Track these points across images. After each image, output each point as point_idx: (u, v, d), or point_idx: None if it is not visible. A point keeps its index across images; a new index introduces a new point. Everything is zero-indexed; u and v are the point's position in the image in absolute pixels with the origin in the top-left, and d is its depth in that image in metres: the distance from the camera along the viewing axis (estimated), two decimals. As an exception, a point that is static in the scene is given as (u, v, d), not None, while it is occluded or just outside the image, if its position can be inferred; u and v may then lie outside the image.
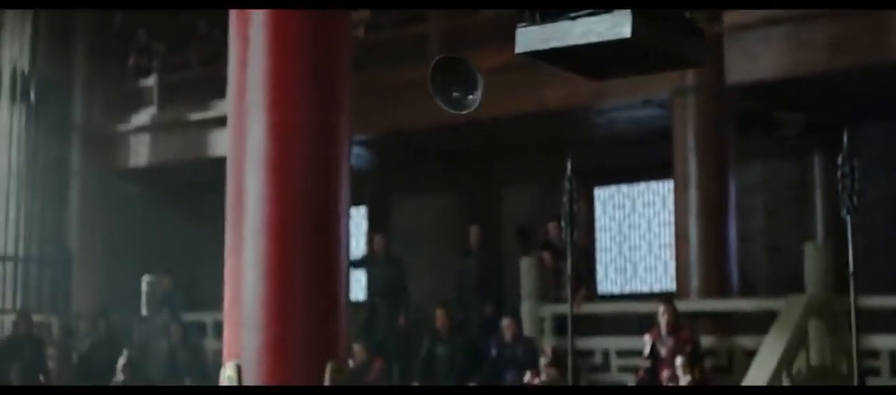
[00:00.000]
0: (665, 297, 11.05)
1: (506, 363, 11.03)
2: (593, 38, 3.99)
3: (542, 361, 10.27)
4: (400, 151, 15.17)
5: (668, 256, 14.44)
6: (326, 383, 7.14)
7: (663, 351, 10.08)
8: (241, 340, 7.25)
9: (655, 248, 14.73)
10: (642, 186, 14.87)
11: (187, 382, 13.05)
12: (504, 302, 12.56)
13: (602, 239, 15.04)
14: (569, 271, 8.06)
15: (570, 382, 8.26)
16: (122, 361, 12.65)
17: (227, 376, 7.19)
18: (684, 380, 9.40)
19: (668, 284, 14.30)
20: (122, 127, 16.21)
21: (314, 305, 7.23)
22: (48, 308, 15.15)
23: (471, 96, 4.65)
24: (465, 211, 15.59)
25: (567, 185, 7.84)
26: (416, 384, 11.74)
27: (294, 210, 7.23)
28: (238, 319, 7.33)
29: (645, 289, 14.65)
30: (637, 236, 14.87)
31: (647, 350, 10.23)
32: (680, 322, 10.16)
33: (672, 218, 14.19)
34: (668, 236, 14.51)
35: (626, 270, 14.84)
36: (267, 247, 7.19)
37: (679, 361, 9.49)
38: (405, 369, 12.76)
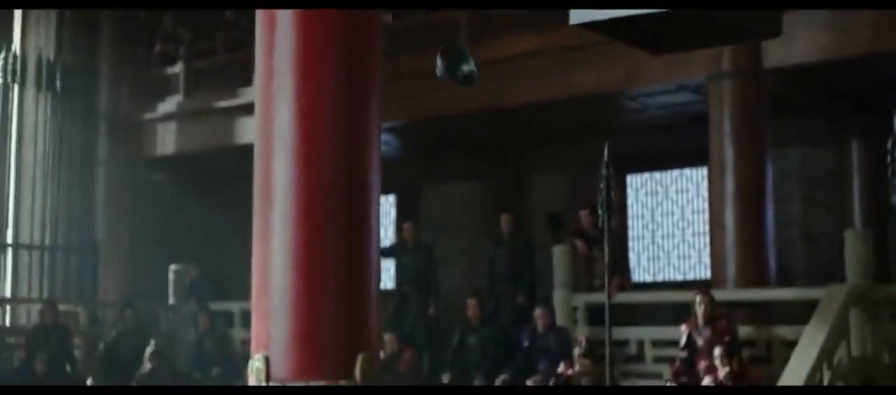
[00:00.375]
0: (702, 286, 10.83)
1: (539, 353, 10.82)
2: (654, 8, 3.70)
3: (576, 351, 10.05)
4: (429, 139, 14.97)
5: (702, 244, 14.21)
6: (357, 375, 6.95)
7: (700, 341, 9.85)
8: (270, 331, 7.06)
9: (688, 236, 14.48)
10: (675, 172, 14.61)
11: (214, 372, 12.91)
12: (536, 291, 12.34)
13: (634, 227, 14.79)
14: (606, 258, 7.81)
15: (606, 373, 8.02)
16: (149, 350, 12.52)
17: (255, 368, 7.01)
18: (722, 372, 9.17)
19: (702, 272, 14.06)
20: (148, 115, 16.09)
21: (344, 295, 7.02)
22: (75, 297, 15.04)
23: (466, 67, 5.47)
24: (494, 199, 15.39)
25: (604, 171, 7.60)
26: (446, 375, 11.55)
27: (323, 198, 7.02)
28: (266, 309, 7.14)
29: (678, 278, 14.41)
30: (670, 223, 14.62)
31: (683, 341, 10.00)
32: (717, 312, 9.92)
33: (706, 205, 14.02)
34: (701, 223, 14.27)
35: (658, 258, 14.59)
36: (295, 235, 6.99)
37: (717, 352, 9.25)
38: (435, 359, 12.57)
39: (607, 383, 8.83)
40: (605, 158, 7.78)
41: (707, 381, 9.31)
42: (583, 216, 11.91)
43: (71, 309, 14.31)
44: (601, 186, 7.69)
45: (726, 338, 9.54)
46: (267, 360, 7.00)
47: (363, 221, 7.26)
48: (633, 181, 14.90)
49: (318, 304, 7.01)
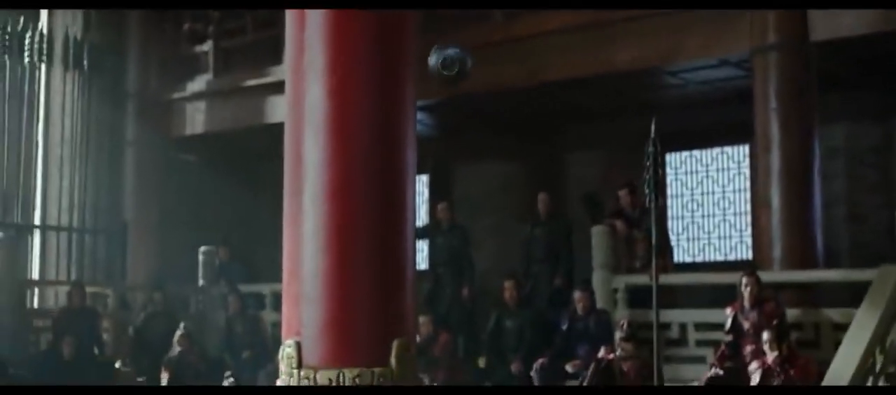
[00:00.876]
0: (747, 267, 10.48)
1: (578, 336, 10.52)
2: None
3: (617, 335, 9.69)
4: (462, 117, 14.62)
5: (744, 224, 13.86)
6: (393, 362, 6.66)
7: (746, 325, 9.51)
8: (301, 315, 6.75)
9: (729, 215, 14.12)
10: (716, 150, 14.24)
11: (245, 355, 12.66)
12: (574, 273, 12.03)
13: (673, 207, 14.42)
14: (654, 238, 7.49)
15: (654, 358, 7.69)
16: (178, 333, 12.28)
17: (285, 354, 6.71)
18: (771, 356, 8.81)
19: (744, 253, 13.72)
20: (177, 94, 15.80)
21: (380, 277, 6.71)
22: (103, 280, 14.83)
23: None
24: (529, 178, 15.15)
25: (651, 148, 7.27)
26: (483, 359, 11.26)
27: (357, 177, 6.70)
28: (297, 293, 6.83)
29: (718, 258, 14.05)
30: (710, 203, 14.25)
31: (728, 324, 9.65)
32: (764, 294, 9.57)
33: (748, 184, 13.67)
34: (743, 203, 13.92)
35: (698, 239, 14.23)
36: (327, 216, 6.69)
37: (766, 336, 8.89)
38: (471, 342, 12.29)
39: (654, 367, 8.56)
40: (652, 135, 7.43)
41: (754, 366, 8.95)
42: (622, 196, 11.58)
43: (99, 291, 14.10)
44: (647, 163, 7.37)
45: (775, 321, 9.18)
46: (298, 346, 6.70)
47: (399, 201, 6.94)
48: (673, 160, 14.54)
49: (352, 287, 6.70)
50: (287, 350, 6.71)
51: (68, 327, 12.27)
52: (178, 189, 15.73)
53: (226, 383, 11.01)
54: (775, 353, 8.79)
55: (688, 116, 13.59)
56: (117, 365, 12.88)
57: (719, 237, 14.13)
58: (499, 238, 15.11)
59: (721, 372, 9.42)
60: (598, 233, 11.17)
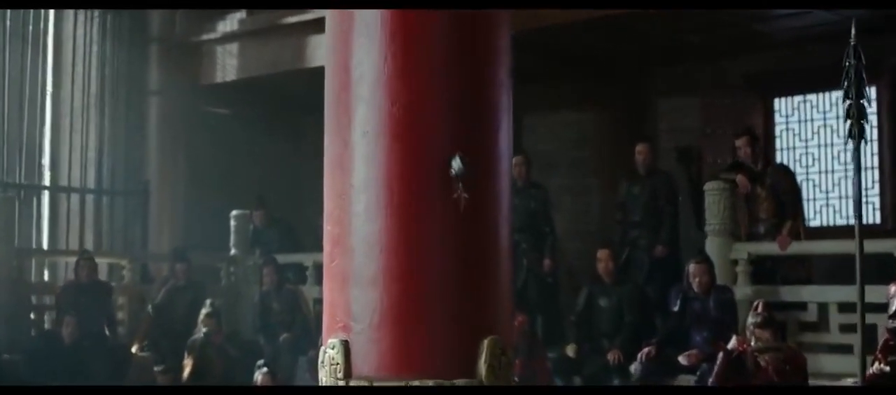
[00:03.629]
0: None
1: (694, 320, 8.46)
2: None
3: (751, 320, 7.53)
4: (531, 58, 12.36)
5: (871, 180, 11.69)
6: (482, 364, 4.65)
7: (918, 306, 7.38)
8: (350, 302, 4.74)
9: (852, 172, 11.91)
10: (836, 94, 12.02)
11: (283, 337, 10.74)
12: (678, 240, 9.96)
13: (784, 162, 12.22)
14: (854, 190, 5.40)
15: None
16: (204, 311, 10.41)
17: (328, 358, 4.72)
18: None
19: (872, 216, 11.57)
20: (207, 36, 13.72)
21: (464, 249, 4.68)
22: (120, 249, 12.90)
23: None
24: (610, 130, 13.22)
25: (852, 60, 5.13)
26: (571, 347, 9.22)
27: (433, 99, 4.69)
28: (345, 269, 4.83)
29: (840, 223, 11.89)
30: (828, 157, 12.08)
31: (894, 306, 7.51)
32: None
33: (876, 134, 11.52)
34: (870, 156, 11.72)
35: (815, 199, 12.07)
36: (390, 157, 4.68)
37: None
38: (552, 324, 10.24)
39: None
40: (852, 40, 5.30)
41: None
42: (741, 145, 9.49)
43: (117, 262, 12.17)
44: (845, 85, 5.22)
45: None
46: (346, 347, 4.69)
47: (488, 147, 4.93)
48: (782, 106, 12.39)
49: (425, 263, 4.69)
50: (330, 353, 4.72)
51: (74, 305, 10.35)
52: (208, 145, 13.61)
53: (258, 375, 9.04)
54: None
55: (801, 53, 11.61)
56: (134, 350, 10.97)
57: (840, 197, 11.97)
58: (574, 199, 13.18)
59: (887, 368, 7.29)
60: (713, 191, 9.10)
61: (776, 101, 12.39)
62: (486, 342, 4.61)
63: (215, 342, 10.35)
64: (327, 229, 4.92)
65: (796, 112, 12.28)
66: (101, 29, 13.63)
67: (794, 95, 12.27)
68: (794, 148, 12.25)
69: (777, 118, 12.36)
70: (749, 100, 12.30)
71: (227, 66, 13.67)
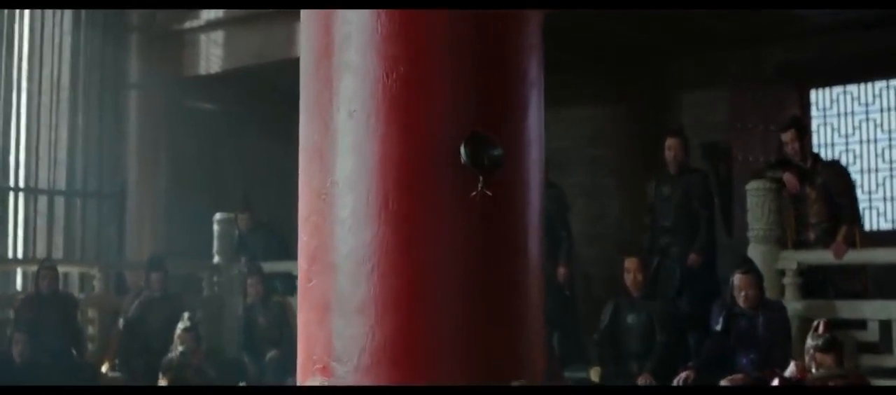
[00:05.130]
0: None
1: (741, 341, 7.32)
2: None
3: (810, 342, 6.40)
4: (545, 44, 11.33)
5: (920, 180, 10.64)
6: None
7: None
8: (331, 336, 3.64)
9: (897, 169, 10.89)
10: (879, 84, 10.96)
11: (270, 355, 9.67)
12: (714, 247, 8.83)
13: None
14: None
15: None
16: (181, 326, 9.22)
17: (305, 407, 3.62)
18: None
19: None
20: (190, 23, 12.59)
21: (477, 270, 3.57)
22: (93, 256, 11.78)
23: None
24: (629, 125, 12.23)
25: None
26: (595, 369, 8.10)
27: (433, 89, 3.62)
28: (325, 293, 3.73)
29: (885, 227, 10.79)
30: (872, 153, 10.98)
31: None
32: None
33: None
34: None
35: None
36: (380, 153, 3.56)
37: None
38: (570, 342, 9.11)
39: None
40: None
41: None
42: (787, 140, 8.34)
43: (87, 272, 11.04)
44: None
45: None
46: (328, 395, 3.58)
47: (512, 132, 3.87)
48: (820, 98, 11.31)
49: (429, 287, 3.60)
50: (308, 399, 3.62)
51: (33, 320, 9.23)
52: (191, 142, 12.55)
53: (237, 401, 7.94)
54: None
55: (840, 40, 10.60)
56: (103, 369, 9.85)
57: (884, 199, 10.87)
58: (589, 200, 12.15)
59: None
60: (757, 191, 7.99)
61: (813, 92, 11.36)
62: (515, 384, 3.51)
63: (194, 362, 9.20)
64: (303, 240, 3.85)
65: (835, 104, 11.22)
66: (74, 18, 12.52)
67: (832, 85, 11.20)
68: (832, 144, 11.19)
69: (813, 111, 11.31)
70: (783, 91, 11.21)
71: (212, 56, 12.55)
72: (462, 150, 3.50)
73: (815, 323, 6.49)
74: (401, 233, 3.54)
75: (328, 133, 3.69)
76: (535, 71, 3.82)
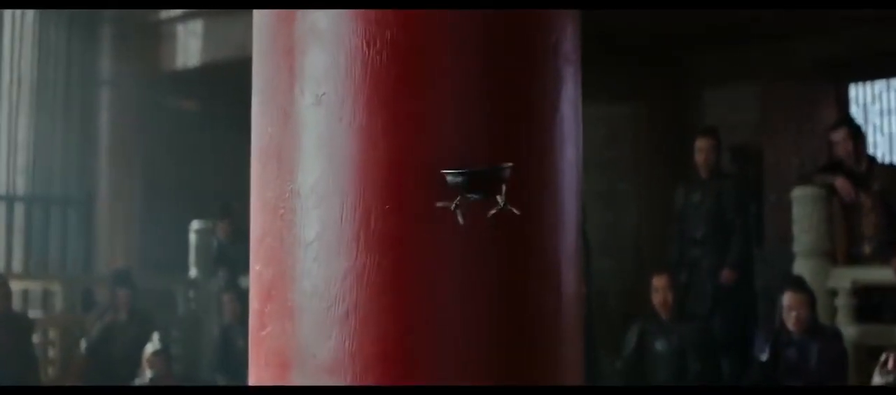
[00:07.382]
0: None
1: (790, 372, 6.28)
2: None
3: (879, 380, 5.36)
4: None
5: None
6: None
7: None
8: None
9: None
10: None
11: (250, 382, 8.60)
12: (751, 262, 7.79)
13: (861, 161, 10.24)
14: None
15: None
16: (150, 349, 8.26)
17: None
18: None
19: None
20: (167, 14, 11.69)
21: (493, 312, 2.50)
22: (56, 269, 10.77)
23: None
24: (651, 125, 11.34)
25: None
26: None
27: (429, 65, 2.55)
28: (284, 346, 2.69)
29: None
30: (917, 153, 10.09)
31: None
32: None
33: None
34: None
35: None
36: (358, 152, 2.47)
37: None
38: (588, 368, 8.05)
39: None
40: None
41: None
42: (839, 140, 7.32)
43: (48, 287, 10.03)
44: None
45: None
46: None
47: (538, 130, 2.79)
48: (859, 94, 10.38)
49: (427, 335, 2.55)
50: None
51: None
52: (166, 144, 11.64)
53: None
54: None
55: (880, 33, 9.61)
56: (64, 399, 8.85)
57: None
58: (604, 208, 11.23)
59: None
60: (805, 199, 6.97)
61: (852, 88, 10.42)
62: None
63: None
64: (255, 270, 2.86)
65: (878, 102, 10.26)
66: (46, 11, 11.59)
67: (872, 80, 10.30)
68: (875, 146, 10.22)
69: (853, 109, 10.32)
70: (819, 87, 10.27)
71: (191, 49, 11.68)
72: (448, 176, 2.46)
73: (883, 357, 5.46)
74: (386, 264, 2.50)
75: (288, 125, 2.71)
76: (570, 41, 2.79)
